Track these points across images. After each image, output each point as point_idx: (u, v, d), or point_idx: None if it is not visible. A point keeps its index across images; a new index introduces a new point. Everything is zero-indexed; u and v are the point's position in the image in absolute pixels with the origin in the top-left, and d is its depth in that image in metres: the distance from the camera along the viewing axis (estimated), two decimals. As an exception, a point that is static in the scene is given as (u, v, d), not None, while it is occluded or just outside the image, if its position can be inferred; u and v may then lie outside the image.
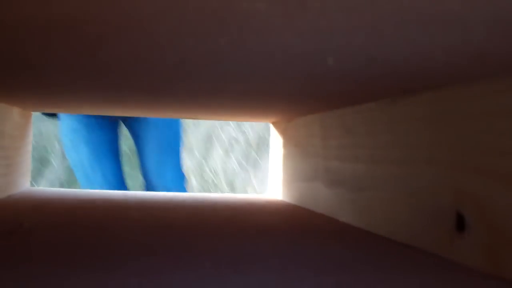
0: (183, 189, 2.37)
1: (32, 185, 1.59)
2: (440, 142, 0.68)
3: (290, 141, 1.35)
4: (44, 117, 2.36)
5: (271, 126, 1.57)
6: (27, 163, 1.44)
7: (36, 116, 1.71)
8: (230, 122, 5.38)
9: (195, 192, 4.88)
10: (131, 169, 3.76)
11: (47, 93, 0.95)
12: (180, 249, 0.68)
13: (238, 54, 0.53)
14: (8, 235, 0.73)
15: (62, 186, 5.24)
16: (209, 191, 5.22)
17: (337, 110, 1.02)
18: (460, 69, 0.56)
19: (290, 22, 0.39)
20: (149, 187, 2.36)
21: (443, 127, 0.68)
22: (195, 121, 5.52)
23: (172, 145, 2.34)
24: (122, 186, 2.38)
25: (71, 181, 5.16)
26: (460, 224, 0.63)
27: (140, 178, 2.43)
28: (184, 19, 0.40)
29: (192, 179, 5.27)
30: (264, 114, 1.27)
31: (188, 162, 5.18)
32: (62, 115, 2.28)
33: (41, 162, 5.51)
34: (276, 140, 1.52)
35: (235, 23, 0.40)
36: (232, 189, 5.16)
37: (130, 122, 2.34)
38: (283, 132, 1.43)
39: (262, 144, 5.12)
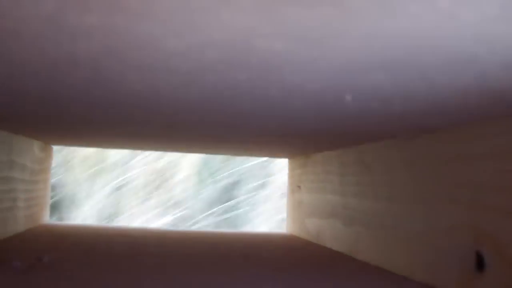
0: None
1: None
2: (459, 181, 0.68)
3: (307, 177, 1.35)
4: None
5: (288, 161, 1.57)
6: (46, 197, 1.45)
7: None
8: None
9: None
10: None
11: (68, 128, 0.96)
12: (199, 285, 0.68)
13: (256, 91, 0.53)
14: (27, 269, 0.73)
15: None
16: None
17: (355, 146, 1.03)
18: (477, 108, 0.56)
19: (308, 61, 0.40)
20: None
21: (461, 166, 0.67)
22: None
23: None
24: None
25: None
26: (480, 263, 0.63)
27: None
28: (204, 57, 0.40)
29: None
30: (282, 150, 1.27)
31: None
32: None
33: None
34: (293, 176, 1.52)
35: (254, 61, 0.41)
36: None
37: None
38: (300, 168, 1.43)
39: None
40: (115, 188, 1.78)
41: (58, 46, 0.39)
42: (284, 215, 1.75)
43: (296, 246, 1.17)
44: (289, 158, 1.56)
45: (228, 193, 1.81)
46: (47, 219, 1.47)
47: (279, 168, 1.79)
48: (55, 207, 1.65)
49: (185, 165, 1.86)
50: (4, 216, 1.04)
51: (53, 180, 1.63)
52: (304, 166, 1.39)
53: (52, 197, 1.63)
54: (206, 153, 1.64)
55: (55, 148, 1.60)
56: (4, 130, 1.01)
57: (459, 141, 0.68)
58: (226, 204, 1.81)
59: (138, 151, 1.80)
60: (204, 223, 1.80)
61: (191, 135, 0.98)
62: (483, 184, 0.63)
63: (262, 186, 1.79)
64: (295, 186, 1.48)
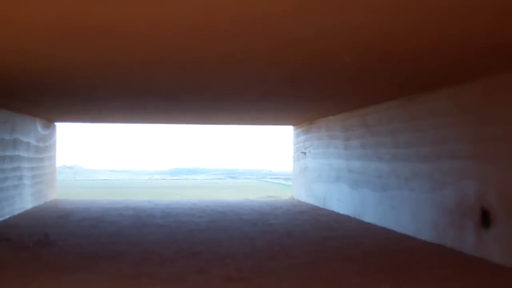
0: None
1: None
2: (463, 136, 0.67)
3: (311, 143, 1.35)
4: None
5: (293, 129, 1.57)
6: (53, 174, 1.45)
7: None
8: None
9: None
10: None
11: (70, 103, 0.96)
12: (206, 255, 0.68)
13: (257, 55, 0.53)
14: (35, 246, 0.74)
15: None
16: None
17: (358, 110, 1.02)
18: (477, 62, 0.55)
19: (308, 20, 0.40)
20: None
21: (463, 120, 0.67)
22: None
23: None
24: None
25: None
26: (486, 219, 0.63)
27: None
28: (198, 21, 0.40)
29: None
30: (285, 117, 1.27)
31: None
32: None
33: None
34: (297, 143, 1.52)
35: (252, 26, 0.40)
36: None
37: None
38: (304, 134, 1.43)
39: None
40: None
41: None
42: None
43: (303, 211, 1.17)
44: (293, 125, 1.56)
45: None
46: (55, 195, 1.48)
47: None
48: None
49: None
50: (11, 194, 1.05)
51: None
52: (308, 132, 1.39)
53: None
54: (211, 123, 1.63)
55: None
56: (6, 109, 1.01)
57: (461, 96, 0.68)
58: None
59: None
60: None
61: (195, 105, 0.97)
62: (487, 136, 0.62)
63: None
64: (300, 152, 1.48)
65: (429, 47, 0.49)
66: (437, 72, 0.62)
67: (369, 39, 0.46)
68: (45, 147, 1.34)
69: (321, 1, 0.35)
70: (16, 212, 1.07)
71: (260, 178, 8.37)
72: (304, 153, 1.44)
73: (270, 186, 5.94)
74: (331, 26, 0.42)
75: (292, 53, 0.52)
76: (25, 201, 1.15)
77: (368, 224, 0.95)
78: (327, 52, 0.51)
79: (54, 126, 1.44)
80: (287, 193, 1.77)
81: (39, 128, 1.28)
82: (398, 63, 0.56)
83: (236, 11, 0.38)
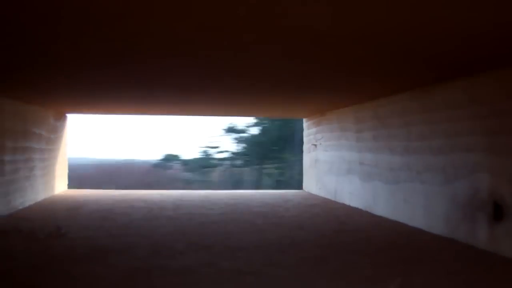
0: None
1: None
2: (476, 128, 0.67)
3: (323, 135, 1.35)
4: None
5: (304, 121, 1.57)
6: (64, 165, 1.45)
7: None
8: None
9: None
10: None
11: (81, 95, 0.96)
12: (216, 248, 0.68)
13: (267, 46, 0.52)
14: (47, 237, 0.74)
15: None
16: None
17: (370, 101, 1.01)
18: (490, 54, 0.54)
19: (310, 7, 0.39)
20: None
21: (477, 113, 0.66)
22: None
23: None
24: None
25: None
26: (498, 213, 0.62)
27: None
28: (205, 16, 0.40)
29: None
30: (297, 109, 1.26)
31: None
32: None
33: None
34: (308, 135, 1.51)
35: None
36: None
37: None
38: (315, 126, 1.42)
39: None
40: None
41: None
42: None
43: (315, 204, 1.17)
44: (305, 118, 1.55)
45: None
46: (65, 187, 1.48)
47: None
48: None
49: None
50: (23, 186, 1.05)
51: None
52: (319, 124, 1.38)
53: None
54: (224, 115, 1.63)
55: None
56: (18, 100, 1.01)
57: (475, 89, 0.67)
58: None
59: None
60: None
61: (208, 97, 0.97)
62: (502, 128, 0.62)
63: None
64: (311, 144, 1.48)
65: (442, 39, 0.48)
66: (450, 64, 0.61)
67: (383, 31, 0.45)
68: (56, 138, 1.35)
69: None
70: (27, 204, 1.08)
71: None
72: (315, 145, 1.43)
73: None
74: (345, 18, 0.41)
75: (306, 46, 0.51)
76: (36, 192, 1.15)
77: (380, 217, 0.94)
78: (340, 45, 0.51)
79: (66, 117, 1.45)
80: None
81: (51, 119, 1.28)
82: (411, 55, 0.56)
83: (247, 3, 0.37)
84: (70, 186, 1.51)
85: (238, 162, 5.60)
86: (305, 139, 1.57)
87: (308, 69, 0.66)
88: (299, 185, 1.63)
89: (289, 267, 0.57)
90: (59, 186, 1.39)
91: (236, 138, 5.63)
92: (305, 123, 1.56)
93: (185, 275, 0.53)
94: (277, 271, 0.55)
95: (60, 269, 0.55)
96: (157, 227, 0.82)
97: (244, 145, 5.62)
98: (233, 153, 5.65)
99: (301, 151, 1.60)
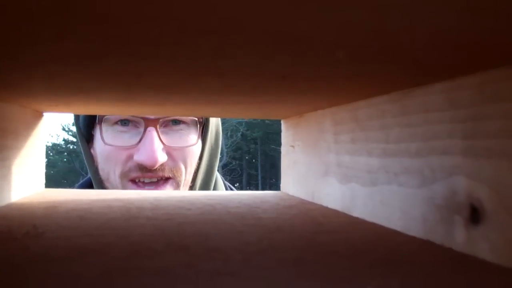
0: None
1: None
2: (454, 132, 0.67)
3: (301, 137, 1.35)
4: None
5: (282, 122, 1.57)
6: (41, 164, 1.44)
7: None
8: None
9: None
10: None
11: (59, 95, 0.95)
12: (194, 248, 0.68)
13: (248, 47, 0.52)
14: (23, 237, 0.73)
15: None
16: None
17: (349, 104, 1.02)
18: (470, 57, 0.55)
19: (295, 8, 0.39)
20: None
21: (456, 116, 0.67)
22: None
23: None
24: None
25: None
26: (475, 216, 0.63)
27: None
28: (190, 15, 0.40)
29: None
30: (275, 110, 1.27)
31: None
32: None
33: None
34: (287, 137, 1.51)
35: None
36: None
37: None
38: (293, 128, 1.43)
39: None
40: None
41: None
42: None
43: (292, 205, 1.18)
44: (282, 119, 1.56)
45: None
46: (42, 186, 1.47)
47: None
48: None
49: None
50: (-1, 185, 1.04)
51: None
52: (297, 125, 1.39)
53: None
54: (200, 115, 1.63)
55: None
56: (-6, 98, 1.00)
57: (453, 92, 0.68)
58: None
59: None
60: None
61: (187, 98, 0.97)
62: (478, 132, 0.63)
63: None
64: (289, 146, 1.48)
65: (422, 42, 0.49)
66: (430, 68, 0.62)
67: (363, 35, 0.46)
68: (33, 137, 1.33)
69: (316, -5, 0.35)
70: (4, 203, 1.07)
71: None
72: (293, 146, 1.44)
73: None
74: (325, 21, 0.41)
75: (285, 49, 0.52)
76: (13, 191, 1.14)
77: (357, 219, 0.95)
78: (320, 48, 0.51)
79: (43, 116, 1.44)
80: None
81: (29, 117, 1.27)
82: (391, 58, 0.56)
83: (228, 6, 0.37)
84: (47, 185, 1.50)
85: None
86: (283, 140, 1.57)
87: (288, 72, 0.66)
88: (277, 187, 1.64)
89: (268, 268, 0.57)
90: (36, 185, 1.38)
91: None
92: (283, 124, 1.56)
93: (163, 275, 0.53)
94: (256, 272, 0.55)
95: (37, 268, 0.54)
96: (135, 227, 0.82)
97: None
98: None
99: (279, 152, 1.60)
